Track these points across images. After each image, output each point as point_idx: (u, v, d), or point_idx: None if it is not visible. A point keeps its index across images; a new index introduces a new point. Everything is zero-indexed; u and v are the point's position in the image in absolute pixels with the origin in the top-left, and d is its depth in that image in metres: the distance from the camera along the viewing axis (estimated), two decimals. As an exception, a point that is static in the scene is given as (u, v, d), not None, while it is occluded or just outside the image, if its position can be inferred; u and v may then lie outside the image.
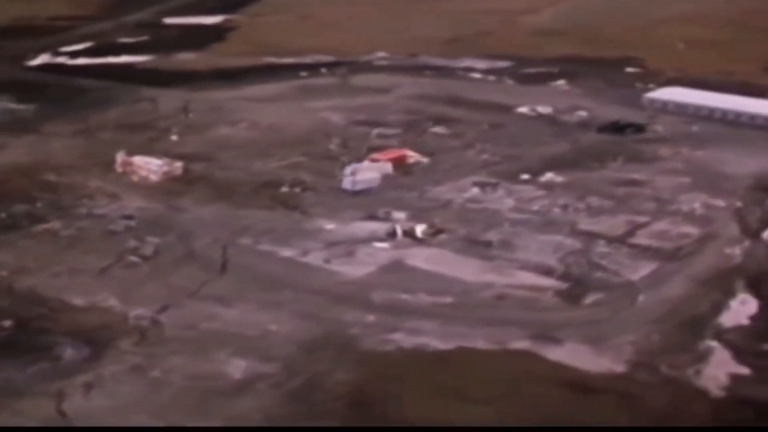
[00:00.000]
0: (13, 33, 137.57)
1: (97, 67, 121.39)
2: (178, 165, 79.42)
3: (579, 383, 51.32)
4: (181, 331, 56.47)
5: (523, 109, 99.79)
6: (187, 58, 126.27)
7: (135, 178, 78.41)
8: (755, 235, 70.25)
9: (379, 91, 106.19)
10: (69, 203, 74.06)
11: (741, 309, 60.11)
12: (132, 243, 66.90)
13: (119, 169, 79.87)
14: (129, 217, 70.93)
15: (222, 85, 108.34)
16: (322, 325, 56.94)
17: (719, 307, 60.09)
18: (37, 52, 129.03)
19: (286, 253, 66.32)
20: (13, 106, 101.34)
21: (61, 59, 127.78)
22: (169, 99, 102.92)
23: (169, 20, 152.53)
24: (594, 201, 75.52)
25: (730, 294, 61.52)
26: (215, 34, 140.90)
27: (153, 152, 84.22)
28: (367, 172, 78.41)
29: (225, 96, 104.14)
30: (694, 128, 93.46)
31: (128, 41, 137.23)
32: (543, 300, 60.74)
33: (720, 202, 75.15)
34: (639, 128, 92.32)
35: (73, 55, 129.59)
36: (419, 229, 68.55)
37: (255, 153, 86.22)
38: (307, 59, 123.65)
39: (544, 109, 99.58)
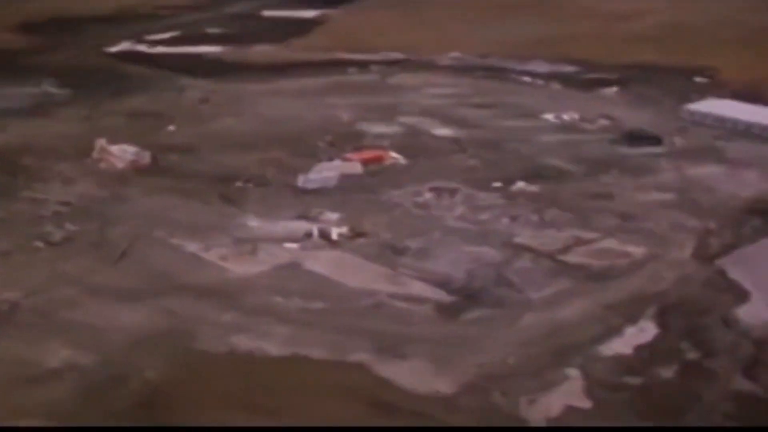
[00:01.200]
0: (112, 19, 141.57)
1: (163, 56, 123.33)
2: (146, 154, 78.62)
3: (385, 402, 47.91)
4: (31, 317, 56.21)
5: (547, 116, 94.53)
6: (259, 51, 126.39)
7: (103, 165, 77.97)
8: (707, 260, 63.25)
9: (408, 89, 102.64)
10: (20, 185, 74.39)
11: (633, 338, 54.73)
12: (48, 228, 66.46)
13: (95, 156, 79.45)
14: (65, 203, 70.43)
15: (258, 79, 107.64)
16: (169, 322, 55.00)
17: (609, 334, 54.49)
18: (122, 40, 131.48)
19: (191, 247, 64.81)
20: (53, 90, 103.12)
21: (140, 47, 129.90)
22: (198, 89, 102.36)
23: (268, 13, 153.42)
24: (551, 214, 70.48)
25: (632, 321, 55.79)
26: (303, 27, 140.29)
27: (144, 141, 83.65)
28: (326, 171, 75.60)
29: (253, 89, 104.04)
30: (719, 143, 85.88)
31: (214, 32, 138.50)
32: (419, 312, 57.17)
33: (693, 223, 68.42)
34: (655, 140, 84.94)
35: (154, 43, 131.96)
36: (336, 232, 65.40)
37: (239, 146, 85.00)
38: (376, 56, 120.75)
39: (569, 116, 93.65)
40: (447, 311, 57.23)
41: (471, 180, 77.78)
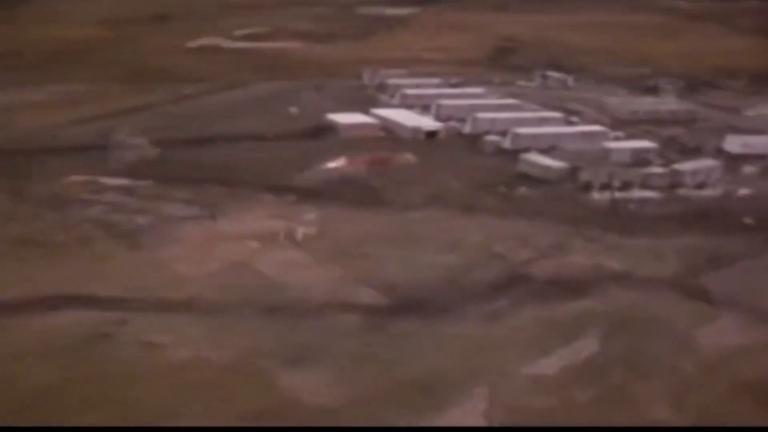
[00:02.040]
0: (209, 12, 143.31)
1: (232, 51, 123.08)
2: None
3: (262, 411, 44.78)
4: None
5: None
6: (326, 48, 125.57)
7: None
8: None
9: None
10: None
11: (563, 358, 50.42)
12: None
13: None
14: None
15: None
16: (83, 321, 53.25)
17: (541, 353, 50.81)
18: (207, 34, 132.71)
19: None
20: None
21: (220, 41, 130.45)
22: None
23: (362, 10, 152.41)
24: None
25: (571, 340, 51.34)
26: (384, 25, 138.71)
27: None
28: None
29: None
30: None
31: (299, 28, 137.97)
32: (346, 320, 53.70)
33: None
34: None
35: (237, 38, 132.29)
36: (301, 232, 62.94)
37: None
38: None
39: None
40: (376, 320, 53.07)
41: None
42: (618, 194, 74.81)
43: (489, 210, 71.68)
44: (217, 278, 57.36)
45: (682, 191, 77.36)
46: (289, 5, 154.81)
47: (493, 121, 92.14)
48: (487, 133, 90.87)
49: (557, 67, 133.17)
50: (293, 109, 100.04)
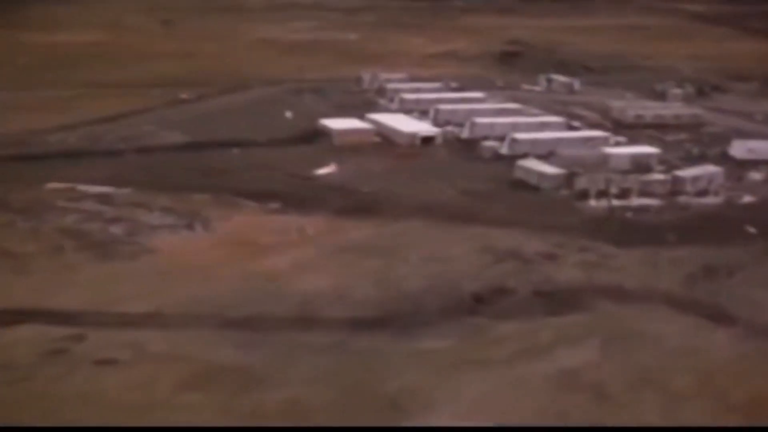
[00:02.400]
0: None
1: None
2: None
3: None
4: None
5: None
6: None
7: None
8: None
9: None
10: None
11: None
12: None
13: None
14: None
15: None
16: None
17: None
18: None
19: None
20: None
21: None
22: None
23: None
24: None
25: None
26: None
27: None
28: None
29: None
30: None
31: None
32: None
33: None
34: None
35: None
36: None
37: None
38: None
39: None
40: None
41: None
42: (615, 202, 71.75)
43: (480, 219, 68.92)
44: (183, 291, 54.80)
45: (682, 198, 74.40)
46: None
47: (491, 126, 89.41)
48: (486, 138, 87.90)
49: (564, 71, 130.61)
50: (289, 114, 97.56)
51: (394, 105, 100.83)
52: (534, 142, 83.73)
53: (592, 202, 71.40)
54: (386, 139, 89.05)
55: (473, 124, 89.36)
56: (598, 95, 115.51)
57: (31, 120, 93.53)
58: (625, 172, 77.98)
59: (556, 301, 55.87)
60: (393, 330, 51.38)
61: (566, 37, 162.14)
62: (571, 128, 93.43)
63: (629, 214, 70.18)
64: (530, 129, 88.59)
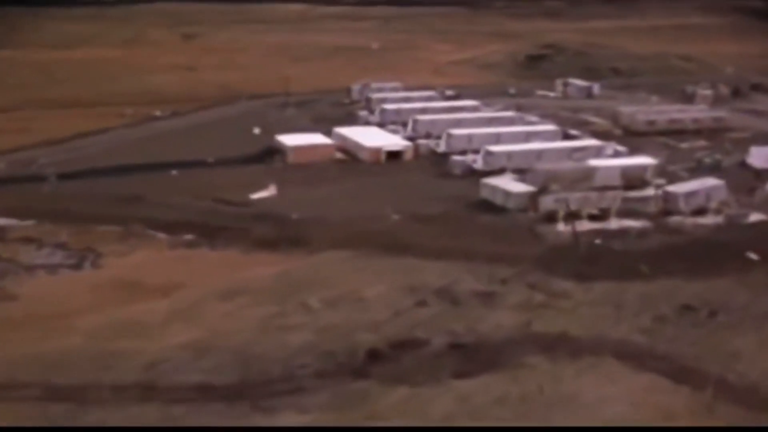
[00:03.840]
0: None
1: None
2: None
3: None
4: None
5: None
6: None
7: None
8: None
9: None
10: None
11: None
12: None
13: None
14: None
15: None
16: None
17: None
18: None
19: None
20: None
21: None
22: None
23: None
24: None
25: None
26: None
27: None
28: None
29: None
30: None
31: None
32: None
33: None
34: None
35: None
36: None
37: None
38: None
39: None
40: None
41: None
42: (586, 225, 59.68)
43: (421, 248, 57.75)
44: (16, 350, 44.95)
45: (675, 219, 62.09)
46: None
47: (469, 138, 77.88)
48: (463, 151, 76.33)
49: (591, 75, 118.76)
50: (257, 130, 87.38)
51: (375, 117, 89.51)
52: (512, 155, 72.00)
53: (560, 226, 59.17)
54: (351, 155, 77.93)
55: (450, 136, 77.87)
56: (616, 100, 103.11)
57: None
58: (613, 188, 65.51)
59: (474, 356, 44.37)
60: (249, 401, 40.56)
61: (608, 39, 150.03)
62: (567, 138, 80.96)
63: (598, 240, 57.42)
64: (515, 140, 76.71)
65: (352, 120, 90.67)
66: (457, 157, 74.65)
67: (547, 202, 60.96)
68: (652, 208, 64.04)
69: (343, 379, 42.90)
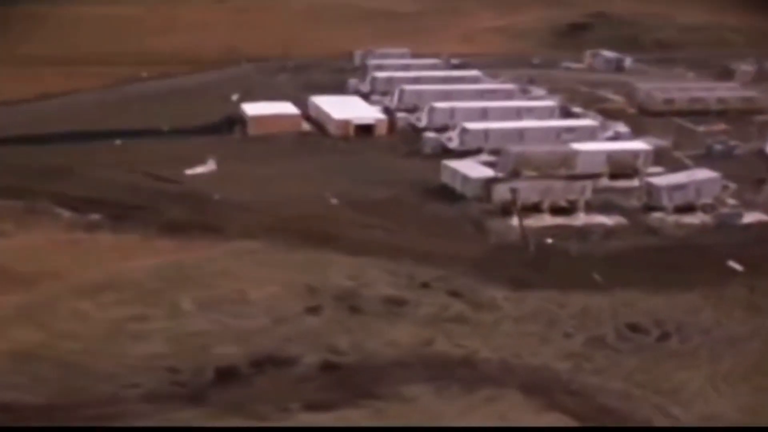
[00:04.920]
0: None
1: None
2: None
3: None
4: None
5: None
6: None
7: None
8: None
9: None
10: None
11: None
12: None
13: None
14: None
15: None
16: None
17: None
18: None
19: None
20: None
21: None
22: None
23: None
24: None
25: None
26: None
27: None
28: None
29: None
30: None
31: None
32: None
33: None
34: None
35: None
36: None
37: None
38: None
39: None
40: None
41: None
42: (547, 220, 50.79)
43: (345, 240, 49.86)
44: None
45: (656, 216, 52.69)
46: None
47: (451, 112, 68.93)
48: (445, 128, 67.59)
49: (631, 47, 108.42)
50: (235, 96, 79.57)
51: (366, 86, 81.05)
52: (489, 134, 62.85)
53: (514, 221, 50.31)
54: (320, 127, 69.65)
55: (431, 110, 69.16)
56: (647, 75, 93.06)
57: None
58: (594, 177, 56.43)
59: (345, 383, 36.09)
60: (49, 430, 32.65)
61: (666, 8, 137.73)
62: (568, 116, 71.59)
63: (550, 240, 48.48)
64: (503, 117, 67.57)
65: (339, 89, 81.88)
66: (429, 134, 65.71)
67: (501, 192, 51.90)
68: (634, 202, 54.38)
69: (174, 405, 34.69)
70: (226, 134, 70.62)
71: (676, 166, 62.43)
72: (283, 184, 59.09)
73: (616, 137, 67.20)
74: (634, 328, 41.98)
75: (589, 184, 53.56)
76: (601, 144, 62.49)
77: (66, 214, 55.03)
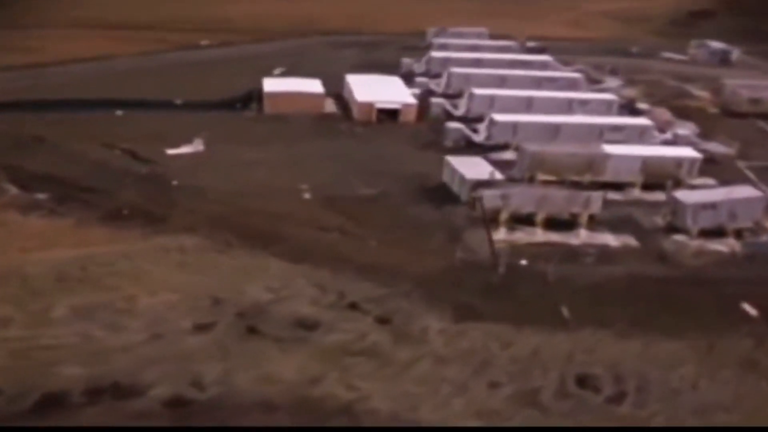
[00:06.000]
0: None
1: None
2: None
3: None
4: None
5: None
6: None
7: None
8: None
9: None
10: None
11: None
12: None
13: None
14: None
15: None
16: None
17: None
18: None
19: None
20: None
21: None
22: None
23: None
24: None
25: None
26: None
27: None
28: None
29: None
30: None
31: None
32: None
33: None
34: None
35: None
36: None
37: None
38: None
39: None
40: None
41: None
42: (538, 236, 42.63)
43: (292, 245, 43.47)
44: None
45: (673, 239, 43.72)
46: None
47: (491, 100, 60.62)
48: (480, 117, 59.72)
49: (754, 38, 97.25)
50: (278, 70, 73.31)
51: (420, 66, 73.61)
52: (519, 127, 54.55)
53: (501, 233, 42.39)
54: (347, 109, 62.61)
55: (471, 97, 61.12)
56: (755, 71, 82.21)
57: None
58: (628, 185, 47.99)
59: (187, 424, 29.14)
60: None
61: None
62: (631, 111, 62.60)
63: (524, 262, 40.26)
64: (549, 109, 59.17)
65: (394, 67, 74.63)
66: (452, 124, 57.71)
67: (489, 198, 43.70)
68: (658, 220, 45.41)
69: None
70: (240, 111, 63.86)
71: (729, 179, 52.60)
72: (264, 172, 52.57)
73: (673, 141, 57.50)
74: (584, 381, 33.47)
75: (597, 196, 44.82)
76: (638, 148, 53.20)
77: (13, 191, 49.96)
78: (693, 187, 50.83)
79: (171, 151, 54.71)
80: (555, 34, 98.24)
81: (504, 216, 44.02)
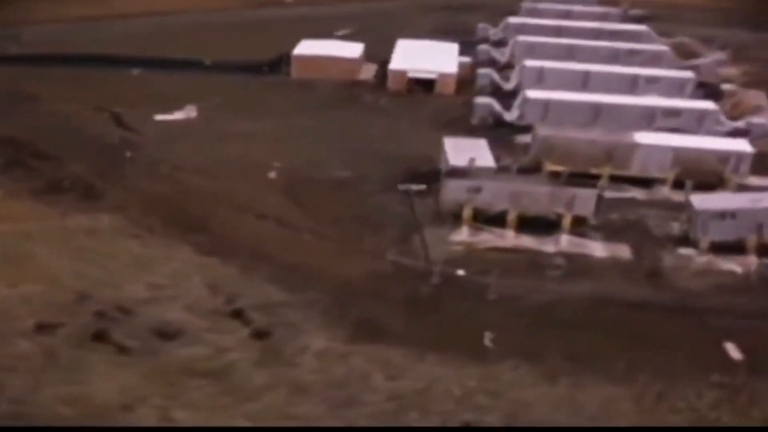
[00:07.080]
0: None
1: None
2: None
3: None
4: None
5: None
6: None
7: None
8: None
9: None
10: None
11: None
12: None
13: None
14: None
15: None
16: None
17: None
18: None
19: None
20: None
21: None
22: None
23: None
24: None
25: None
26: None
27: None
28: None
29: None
30: None
31: None
32: None
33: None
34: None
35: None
36: None
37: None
38: None
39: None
40: None
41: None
42: (509, 240, 35.61)
43: (208, 234, 38.50)
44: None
45: (678, 253, 35.71)
46: None
47: (540, 72, 53.06)
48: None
49: None
50: (341, 32, 67.74)
51: (496, 32, 66.54)
52: (550, 107, 47.05)
53: (463, 234, 35.65)
54: (385, 78, 56.51)
55: (522, 69, 53.77)
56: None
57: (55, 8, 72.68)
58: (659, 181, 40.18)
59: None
60: None
61: None
62: (710, 94, 53.90)
63: (461, 272, 33.32)
64: (609, 87, 51.29)
65: (463, 34, 67.83)
66: (481, 99, 50.50)
67: (453, 190, 36.67)
68: (674, 227, 37.42)
69: None
70: (267, 74, 58.41)
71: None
72: (243, 146, 47.18)
73: (746, 131, 48.44)
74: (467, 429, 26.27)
75: (586, 194, 36.92)
76: (678, 137, 44.43)
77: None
78: (742, 188, 41.90)
79: (159, 117, 49.55)
80: (689, 3, 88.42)
81: (467, 213, 36.54)
